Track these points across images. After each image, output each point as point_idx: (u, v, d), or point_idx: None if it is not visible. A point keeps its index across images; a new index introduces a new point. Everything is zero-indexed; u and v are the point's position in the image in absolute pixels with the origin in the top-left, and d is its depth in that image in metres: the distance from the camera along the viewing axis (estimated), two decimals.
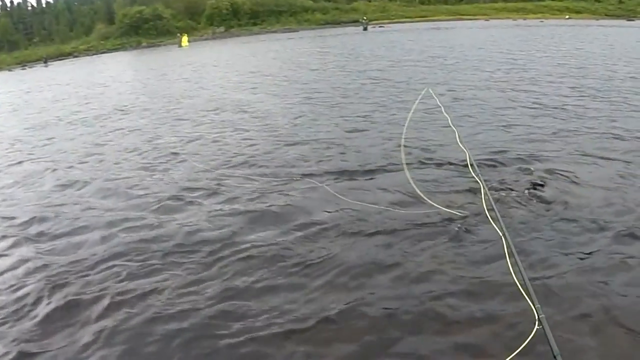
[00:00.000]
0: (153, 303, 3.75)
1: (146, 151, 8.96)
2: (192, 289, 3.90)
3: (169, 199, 6.06)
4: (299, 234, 4.68)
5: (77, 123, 12.68)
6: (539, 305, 2.40)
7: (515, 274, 2.80)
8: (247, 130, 9.61)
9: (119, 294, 3.92)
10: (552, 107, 9.64)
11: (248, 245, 4.51)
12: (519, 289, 2.65)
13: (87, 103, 16.23)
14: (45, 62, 49.25)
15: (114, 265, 4.38)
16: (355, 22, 65.57)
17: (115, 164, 8.27)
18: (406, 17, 75.89)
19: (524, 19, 67.35)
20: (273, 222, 4.99)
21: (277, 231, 4.77)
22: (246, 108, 11.98)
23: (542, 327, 2.28)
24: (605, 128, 7.87)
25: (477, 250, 4.09)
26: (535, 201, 4.93)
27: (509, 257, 2.94)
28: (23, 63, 52.22)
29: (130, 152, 9.07)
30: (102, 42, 60.85)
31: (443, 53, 21.81)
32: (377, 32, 46.83)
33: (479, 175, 4.63)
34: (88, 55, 55.76)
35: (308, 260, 4.17)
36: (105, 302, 3.82)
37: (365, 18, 60.35)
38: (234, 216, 5.26)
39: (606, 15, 63.30)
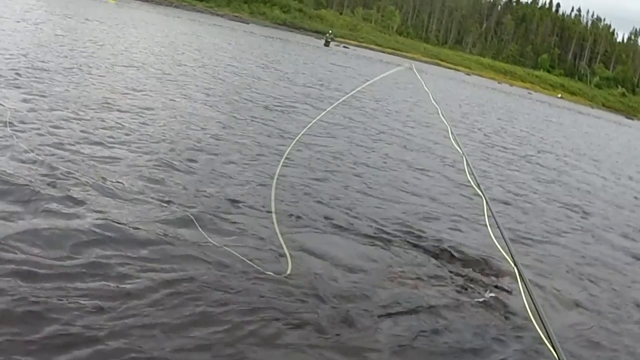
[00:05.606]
0: None
1: None
2: None
3: None
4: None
5: None
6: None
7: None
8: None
9: None
10: None
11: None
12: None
13: None
14: None
15: None
16: (317, 32, 59.90)
17: None
18: (377, 44, 71.48)
19: (510, 84, 64.10)
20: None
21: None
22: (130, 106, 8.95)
23: None
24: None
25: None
26: None
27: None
28: None
29: None
30: None
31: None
32: (340, 52, 44.84)
33: (494, 217, 3.23)
34: None
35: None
36: None
37: (331, 32, 55.05)
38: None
39: (604, 105, 60.57)
